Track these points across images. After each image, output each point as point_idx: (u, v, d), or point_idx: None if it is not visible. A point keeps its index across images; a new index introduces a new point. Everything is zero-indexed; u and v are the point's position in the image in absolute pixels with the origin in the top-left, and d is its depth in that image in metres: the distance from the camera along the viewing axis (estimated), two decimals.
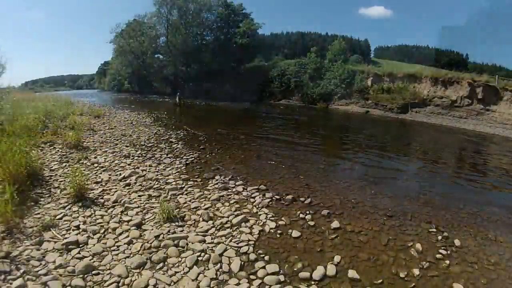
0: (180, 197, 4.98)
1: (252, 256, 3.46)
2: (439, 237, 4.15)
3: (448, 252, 3.79)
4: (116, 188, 5.25)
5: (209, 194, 5.16)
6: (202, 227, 4.01)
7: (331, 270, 3.30)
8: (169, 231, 3.87)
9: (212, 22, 36.45)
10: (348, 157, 9.34)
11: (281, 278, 3.14)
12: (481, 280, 3.28)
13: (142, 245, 3.56)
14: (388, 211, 4.95)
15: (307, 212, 4.70)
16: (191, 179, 5.85)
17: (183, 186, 5.47)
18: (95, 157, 7.05)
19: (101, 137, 9.29)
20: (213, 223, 4.15)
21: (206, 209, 4.54)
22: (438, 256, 3.70)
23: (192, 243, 3.62)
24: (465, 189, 6.97)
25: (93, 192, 4.94)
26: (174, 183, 5.59)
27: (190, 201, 4.85)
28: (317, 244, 3.84)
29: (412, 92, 26.09)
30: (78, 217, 4.15)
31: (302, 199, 5.21)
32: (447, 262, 3.59)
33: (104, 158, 7.02)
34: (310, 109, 29.27)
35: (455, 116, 23.62)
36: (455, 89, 24.05)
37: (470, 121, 22.76)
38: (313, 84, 31.65)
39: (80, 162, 6.59)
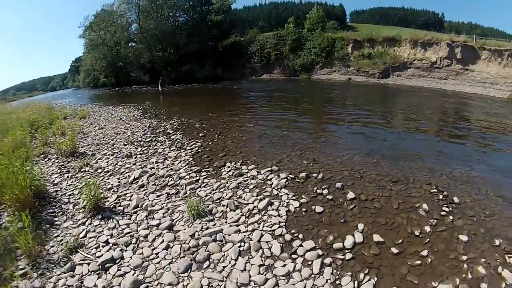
0: (200, 191, 4.99)
1: (288, 237, 3.67)
2: (440, 197, 4.62)
3: (450, 209, 4.27)
4: (130, 192, 5.09)
5: (227, 183, 5.22)
6: (232, 218, 4.12)
7: (359, 237, 3.66)
8: (202, 228, 3.90)
9: (184, 2, 34.63)
10: (342, 128, 9.70)
11: (319, 252, 3.43)
12: (481, 230, 3.79)
13: (180, 247, 3.54)
14: (392, 177, 5.37)
15: (323, 187, 4.95)
16: (203, 170, 5.86)
17: (197, 178, 5.46)
18: (96, 162, 6.74)
19: (95, 139, 8.93)
20: (241, 212, 4.26)
21: (229, 198, 4.62)
22: (442, 213, 4.17)
23: (229, 235, 3.71)
24: (454, 149, 7.60)
25: (108, 201, 4.76)
26: (187, 176, 5.57)
27: (211, 192, 4.89)
28: (339, 216, 4.17)
29: (392, 56, 26.47)
30: (102, 231, 3.97)
31: (314, 175, 5.42)
32: (451, 217, 4.06)
33: (106, 162, 6.74)
34: (293, 81, 29.30)
35: (436, 78, 24.33)
36: (435, 50, 24.53)
37: (450, 81, 23.54)
38: (294, 55, 31.39)
39: (82, 170, 6.27)
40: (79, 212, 4.50)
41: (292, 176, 5.37)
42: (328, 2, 56.78)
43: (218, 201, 4.63)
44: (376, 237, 3.64)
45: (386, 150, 7.03)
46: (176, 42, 34.22)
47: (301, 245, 3.54)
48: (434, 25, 49.41)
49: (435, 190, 4.82)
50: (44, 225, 4.14)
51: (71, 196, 5.08)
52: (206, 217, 4.15)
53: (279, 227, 3.87)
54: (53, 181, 5.80)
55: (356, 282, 2.99)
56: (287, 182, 5.15)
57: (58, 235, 3.93)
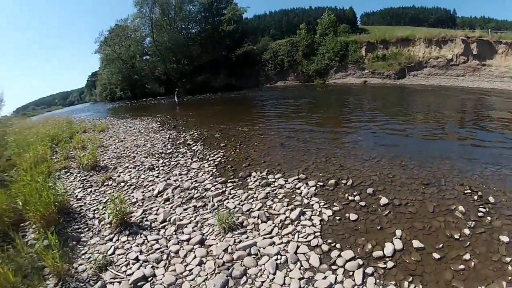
0: (228, 202, 4.89)
1: (325, 247, 3.54)
2: (475, 197, 4.40)
3: (487, 209, 4.06)
4: (156, 206, 5.01)
5: (254, 193, 5.11)
6: (265, 229, 3.99)
7: (398, 244, 3.49)
8: (235, 241, 3.77)
9: (196, 14, 35.74)
10: (364, 131, 9.44)
11: (360, 261, 3.29)
12: None
13: (214, 262, 3.42)
14: (422, 179, 5.14)
15: (354, 193, 4.78)
16: (228, 181, 5.77)
17: (224, 189, 5.38)
18: (118, 176, 6.70)
19: (115, 152, 9.07)
20: (273, 223, 4.14)
21: (259, 209, 4.51)
22: (479, 214, 3.97)
23: (264, 248, 3.57)
24: (481, 147, 7.32)
25: (134, 215, 4.67)
26: (213, 188, 5.50)
27: (239, 204, 4.80)
28: (375, 223, 4.00)
29: (407, 56, 26.02)
30: (131, 247, 3.86)
31: (343, 181, 5.26)
32: (489, 218, 3.87)
33: (129, 175, 6.71)
34: (308, 87, 29.17)
35: (453, 75, 23.68)
36: (450, 47, 23.95)
37: (468, 78, 22.84)
38: (307, 61, 31.41)
39: (105, 184, 6.26)
40: (105, 228, 4.44)
41: (321, 184, 5.22)
42: (338, 6, 56.96)
43: (248, 212, 4.52)
44: (416, 243, 3.48)
45: (412, 153, 6.77)
46: (190, 53, 34.99)
47: (339, 255, 3.40)
48: (447, 21, 48.51)
49: (469, 191, 4.59)
50: (71, 242, 4.11)
51: (96, 211, 5.08)
52: (238, 230, 4.02)
53: (314, 237, 3.73)
54: (77, 195, 5.86)
55: None
56: (316, 190, 5.00)
57: (85, 252, 3.87)
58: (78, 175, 7.14)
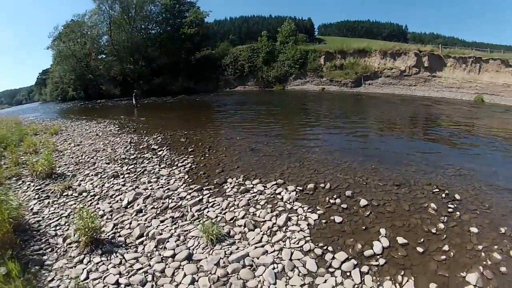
0: (208, 211, 4.59)
1: (318, 251, 3.53)
2: (443, 195, 4.86)
3: (455, 205, 4.52)
4: (128, 218, 4.48)
5: (234, 200, 4.90)
6: (254, 238, 3.82)
7: (385, 242, 3.68)
8: (225, 253, 3.51)
9: (157, 14, 34.36)
10: (331, 137, 9.82)
11: (354, 262, 3.35)
12: (485, 221, 4.09)
13: (208, 279, 3.12)
14: (394, 181, 5.51)
15: (334, 196, 4.89)
16: (204, 188, 5.46)
17: (201, 198, 5.05)
18: (79, 185, 5.98)
19: (72, 158, 8.12)
20: (260, 230, 3.99)
21: (243, 217, 4.30)
22: (449, 210, 4.41)
23: (258, 258, 3.41)
24: (438, 149, 8.22)
25: (105, 231, 4.07)
26: (189, 196, 5.13)
27: (221, 213, 4.53)
28: (359, 223, 4.15)
29: (363, 66, 27.88)
30: (107, 269, 3.35)
31: (321, 185, 5.35)
32: (458, 213, 4.31)
33: (91, 184, 5.99)
34: (268, 92, 29.68)
35: (405, 85, 25.97)
36: (403, 59, 26.24)
37: (419, 87, 25.26)
38: (267, 67, 31.97)
39: (64, 194, 5.52)
40: (72, 248, 3.80)
41: (301, 188, 5.24)
42: (297, 16, 59.08)
43: (232, 221, 4.29)
44: (400, 240, 3.71)
45: (379, 156, 7.23)
46: (148, 54, 33.59)
47: (334, 258, 3.43)
48: (399, 36, 53.39)
49: (437, 190, 5.07)
50: (32, 266, 3.43)
51: (58, 227, 4.40)
52: (226, 240, 3.78)
53: (305, 242, 3.69)
54: (32, 208, 5.07)
55: (397, 285, 3.05)
56: (297, 195, 4.99)
57: (52, 279, 3.26)
58: (32, 184, 6.22)
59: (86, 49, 33.36)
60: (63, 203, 5.23)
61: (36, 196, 5.57)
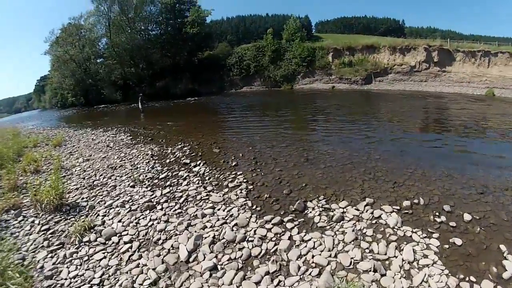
0: (313, 256, 3.32)
1: (465, 285, 2.88)
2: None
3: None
4: (201, 285, 3.00)
5: (335, 234, 3.69)
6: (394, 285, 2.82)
7: None
8: None
9: (157, 15, 32.83)
10: (391, 142, 8.53)
11: None
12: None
13: None
14: (476, 188, 4.89)
15: (436, 213, 4.14)
16: (286, 220, 4.09)
17: (289, 234, 3.74)
18: (102, 223, 4.41)
19: (84, 178, 6.56)
20: (394, 274, 2.99)
21: (362, 259, 3.14)
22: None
23: None
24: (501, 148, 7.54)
25: None
26: (270, 234, 3.76)
27: (330, 256, 3.31)
28: (477, 242, 3.56)
29: (372, 63, 26.88)
30: None
31: (415, 201, 4.48)
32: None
33: (119, 221, 4.42)
34: (276, 92, 28.37)
35: (416, 81, 25.03)
36: (413, 55, 25.35)
37: (430, 83, 24.33)
38: (274, 66, 30.69)
39: (86, 241, 3.94)
40: None
41: (398, 208, 4.27)
42: (294, 14, 57.82)
43: (350, 266, 3.11)
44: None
45: (442, 158, 6.59)
46: (149, 56, 32.07)
47: None
48: (396, 31, 52.59)
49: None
50: None
51: None
52: None
53: (447, 277, 2.95)
54: (42, 267, 3.48)
55: None
56: (401, 217, 4.02)
57: None
58: (36, 220, 4.66)
59: (84, 52, 32.09)
60: (86, 257, 3.67)
61: (45, 244, 3.99)
